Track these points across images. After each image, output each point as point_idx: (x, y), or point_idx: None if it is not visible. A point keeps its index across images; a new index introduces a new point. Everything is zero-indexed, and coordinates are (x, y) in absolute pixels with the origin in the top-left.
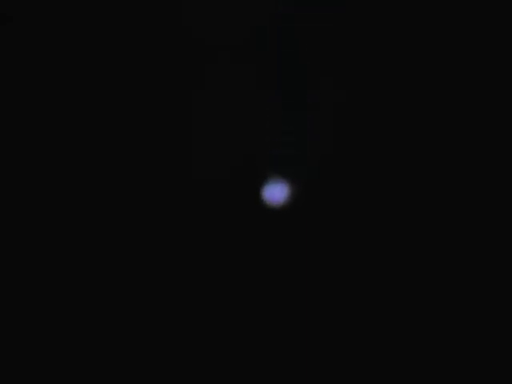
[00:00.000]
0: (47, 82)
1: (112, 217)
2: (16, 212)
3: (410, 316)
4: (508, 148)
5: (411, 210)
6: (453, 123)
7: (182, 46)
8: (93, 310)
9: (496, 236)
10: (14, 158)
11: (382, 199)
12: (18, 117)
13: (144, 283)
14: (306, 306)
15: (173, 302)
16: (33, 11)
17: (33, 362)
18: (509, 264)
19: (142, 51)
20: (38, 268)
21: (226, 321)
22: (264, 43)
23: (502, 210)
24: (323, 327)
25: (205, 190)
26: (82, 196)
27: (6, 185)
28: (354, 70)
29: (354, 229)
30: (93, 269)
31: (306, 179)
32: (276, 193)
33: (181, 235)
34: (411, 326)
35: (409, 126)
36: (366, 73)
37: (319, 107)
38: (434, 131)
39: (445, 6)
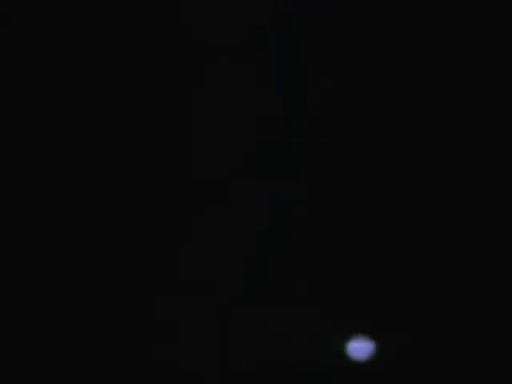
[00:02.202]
0: (47, 82)
1: (111, 216)
2: (16, 211)
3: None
4: (507, 146)
5: (415, 215)
6: (453, 123)
7: (182, 46)
8: (91, 309)
9: (495, 236)
10: (14, 157)
11: (381, 198)
12: (18, 116)
13: (143, 282)
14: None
15: (171, 302)
16: (33, 11)
17: (33, 361)
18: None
19: (143, 51)
20: (37, 267)
21: (225, 322)
22: (264, 43)
23: (501, 207)
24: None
25: (205, 190)
26: (81, 195)
27: (5, 185)
28: (354, 69)
29: (353, 228)
30: (92, 268)
31: (306, 179)
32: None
33: (180, 235)
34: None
35: (409, 125)
36: (365, 73)
37: (319, 107)
38: (434, 129)
39: (445, 6)
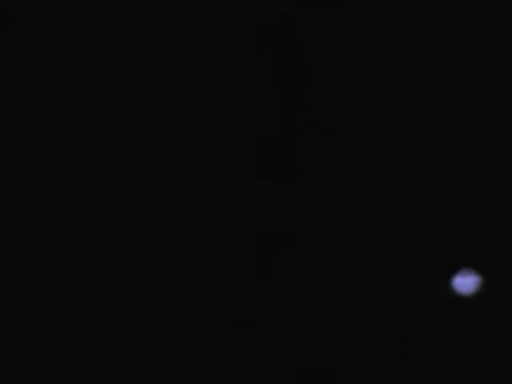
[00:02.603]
0: (47, 82)
1: (111, 216)
2: (16, 212)
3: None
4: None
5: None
6: (453, 123)
7: (182, 46)
8: (91, 309)
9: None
10: (14, 158)
11: (381, 198)
12: (18, 117)
13: (142, 282)
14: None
15: (171, 302)
16: (33, 11)
17: (33, 361)
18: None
19: (142, 51)
20: (37, 267)
21: (226, 323)
22: (264, 43)
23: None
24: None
25: (205, 190)
26: (81, 196)
27: (5, 185)
28: (354, 69)
29: (354, 226)
30: (91, 268)
31: (306, 179)
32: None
33: (180, 235)
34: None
35: (410, 125)
36: (366, 73)
37: (319, 107)
38: (435, 128)
39: (445, 6)
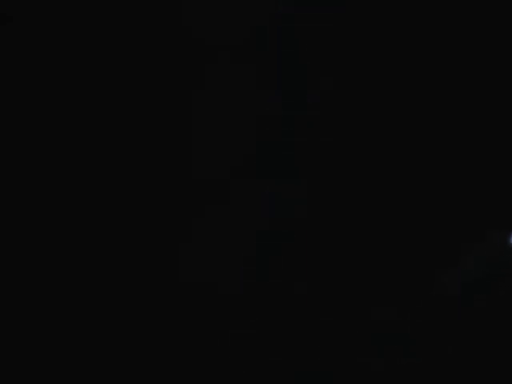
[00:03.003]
0: (47, 82)
1: (111, 216)
2: (16, 212)
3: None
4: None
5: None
6: (453, 123)
7: (182, 46)
8: (90, 309)
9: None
10: (14, 158)
11: (381, 198)
12: (18, 117)
13: (142, 282)
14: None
15: (171, 302)
16: (33, 11)
17: (33, 362)
18: None
19: (142, 51)
20: (37, 267)
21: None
22: (264, 43)
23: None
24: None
25: (205, 190)
26: (81, 195)
27: (5, 185)
28: (354, 70)
29: (355, 227)
30: (91, 269)
31: (306, 179)
32: None
33: (180, 235)
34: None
35: (410, 125)
36: (366, 73)
37: (319, 107)
38: (435, 129)
39: (445, 6)
